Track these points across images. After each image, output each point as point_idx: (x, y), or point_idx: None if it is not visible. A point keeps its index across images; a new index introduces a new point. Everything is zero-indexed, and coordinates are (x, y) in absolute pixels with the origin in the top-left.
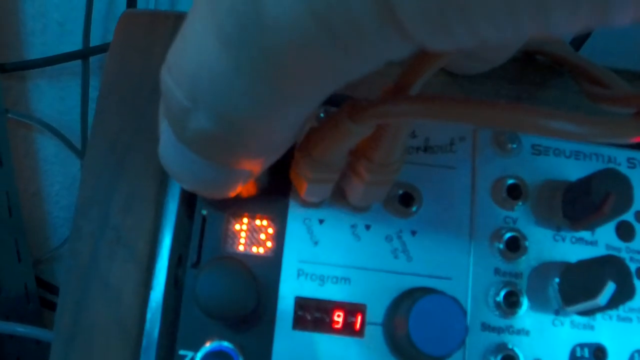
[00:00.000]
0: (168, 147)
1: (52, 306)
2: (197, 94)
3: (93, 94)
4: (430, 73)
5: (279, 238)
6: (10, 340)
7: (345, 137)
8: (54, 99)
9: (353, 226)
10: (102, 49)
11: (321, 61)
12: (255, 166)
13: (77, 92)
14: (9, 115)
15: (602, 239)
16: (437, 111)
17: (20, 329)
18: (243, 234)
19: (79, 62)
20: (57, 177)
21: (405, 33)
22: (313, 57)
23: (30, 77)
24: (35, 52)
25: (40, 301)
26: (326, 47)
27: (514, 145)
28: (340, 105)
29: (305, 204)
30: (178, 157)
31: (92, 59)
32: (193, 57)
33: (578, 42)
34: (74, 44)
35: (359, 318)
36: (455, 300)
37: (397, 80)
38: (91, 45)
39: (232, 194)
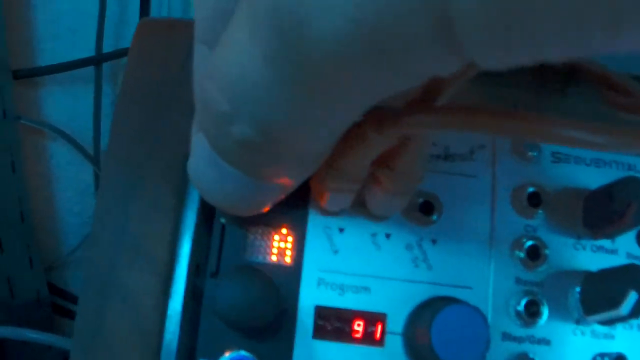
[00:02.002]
0: (201, 161)
1: (64, 312)
2: (238, 101)
3: (105, 100)
4: (460, 84)
5: (299, 247)
6: (23, 347)
7: (369, 148)
8: (66, 105)
9: (373, 235)
10: (114, 55)
11: (364, 76)
12: (289, 180)
13: (89, 98)
14: (22, 121)
15: (623, 247)
16: (463, 122)
17: (32, 334)
18: (262, 243)
19: (90, 68)
20: (69, 183)
21: (460, 50)
22: (356, 72)
23: (42, 83)
24: (47, 58)
25: (52, 307)
26: (371, 63)
27: (534, 153)
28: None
29: (325, 213)
30: (212, 170)
31: (104, 65)
32: (236, 66)
33: None
34: (86, 50)
35: (379, 327)
36: (477, 310)
37: (424, 90)
38: (103, 51)
39: (262, 211)
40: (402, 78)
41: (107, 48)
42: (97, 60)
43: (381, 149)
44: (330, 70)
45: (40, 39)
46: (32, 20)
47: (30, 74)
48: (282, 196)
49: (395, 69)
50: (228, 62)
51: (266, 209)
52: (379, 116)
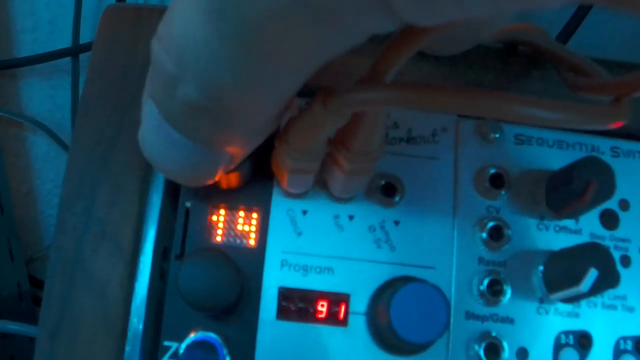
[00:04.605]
0: (150, 129)
1: None
2: (184, 62)
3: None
4: (404, 60)
5: (263, 229)
6: (4, 339)
7: (320, 126)
8: (45, 97)
9: (336, 217)
10: (92, 46)
11: (301, 32)
12: (237, 148)
13: (67, 89)
14: (0, 113)
15: (586, 228)
16: (412, 98)
17: (13, 327)
18: (226, 226)
19: (69, 59)
20: (49, 175)
21: (389, 7)
22: (293, 27)
23: (21, 75)
24: (25, 50)
25: (33, 300)
26: (305, 18)
27: (497, 135)
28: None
29: (289, 195)
30: (160, 138)
31: (81, 56)
32: (180, 26)
33: (565, 36)
34: (65, 41)
35: (343, 308)
36: (436, 287)
37: (371, 69)
38: (81, 42)
39: (211, 181)
40: (339, 35)
41: (85, 39)
42: (74, 51)
43: (333, 127)
44: (266, 24)
45: (18, 31)
46: (10, 12)
47: (8, 66)
48: (231, 166)
49: (329, 24)
50: (173, 21)
51: (213, 179)
52: (327, 93)
